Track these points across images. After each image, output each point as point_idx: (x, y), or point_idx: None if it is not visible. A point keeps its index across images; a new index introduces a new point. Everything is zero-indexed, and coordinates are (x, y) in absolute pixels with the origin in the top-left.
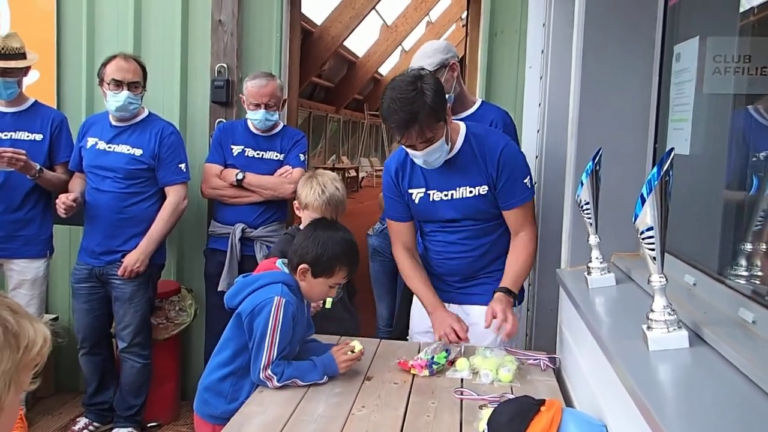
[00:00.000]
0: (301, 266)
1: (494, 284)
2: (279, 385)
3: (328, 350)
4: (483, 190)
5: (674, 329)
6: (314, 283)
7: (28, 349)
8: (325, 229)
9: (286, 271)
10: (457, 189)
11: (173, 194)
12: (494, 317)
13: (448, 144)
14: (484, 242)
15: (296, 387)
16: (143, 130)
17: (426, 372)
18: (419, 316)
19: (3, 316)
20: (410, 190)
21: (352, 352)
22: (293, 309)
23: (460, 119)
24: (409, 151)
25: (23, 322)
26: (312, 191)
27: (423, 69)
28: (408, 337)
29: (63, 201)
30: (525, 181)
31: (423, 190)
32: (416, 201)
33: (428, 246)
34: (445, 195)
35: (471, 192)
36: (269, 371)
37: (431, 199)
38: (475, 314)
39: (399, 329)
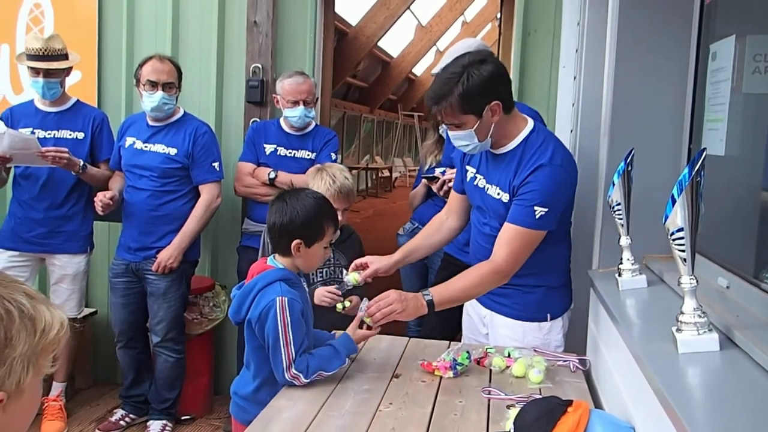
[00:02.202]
0: (294, 242)
1: (524, 298)
2: (307, 381)
3: (321, 337)
4: (505, 197)
5: (704, 332)
6: (310, 253)
7: (45, 333)
8: (294, 197)
9: (279, 266)
10: (492, 186)
11: (206, 192)
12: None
13: (484, 139)
14: None
15: (324, 381)
16: (178, 129)
17: (450, 373)
18: (468, 320)
19: (18, 300)
20: (467, 167)
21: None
22: (300, 305)
23: None
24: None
25: (39, 307)
26: (323, 182)
27: (492, 55)
28: (462, 337)
29: (100, 199)
30: (536, 208)
31: (474, 170)
32: (467, 179)
33: (471, 235)
34: (485, 186)
35: (498, 195)
36: (294, 370)
37: (476, 183)
38: (499, 324)
39: (428, 328)
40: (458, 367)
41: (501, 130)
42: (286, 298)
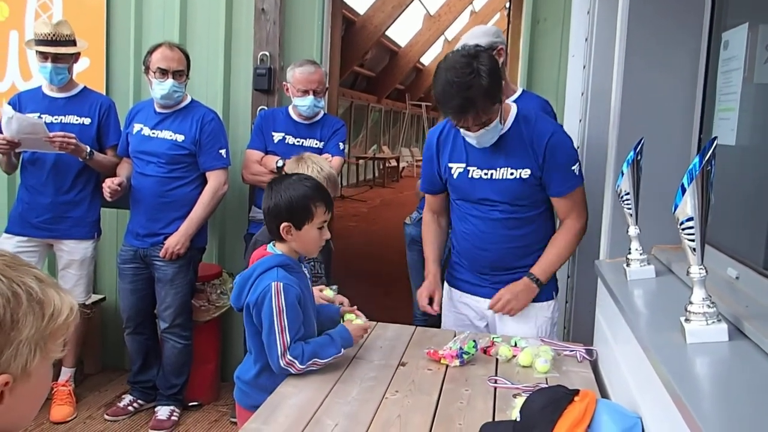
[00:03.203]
0: (282, 226)
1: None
2: (303, 367)
3: (329, 310)
4: (525, 173)
5: (713, 322)
6: (302, 235)
7: (54, 318)
8: (280, 182)
9: (278, 252)
10: (498, 169)
11: (213, 179)
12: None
13: (502, 124)
14: (519, 234)
15: (330, 368)
16: (185, 116)
17: (457, 362)
18: (456, 317)
19: (27, 283)
20: (450, 164)
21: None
22: (296, 290)
23: None
24: (463, 131)
25: (49, 291)
26: (310, 171)
27: (478, 45)
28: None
29: (108, 185)
30: (573, 168)
31: (463, 165)
32: (455, 176)
33: (462, 231)
34: (485, 173)
35: (512, 174)
36: (289, 356)
37: (470, 176)
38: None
39: (434, 317)
40: (464, 356)
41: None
42: (281, 284)
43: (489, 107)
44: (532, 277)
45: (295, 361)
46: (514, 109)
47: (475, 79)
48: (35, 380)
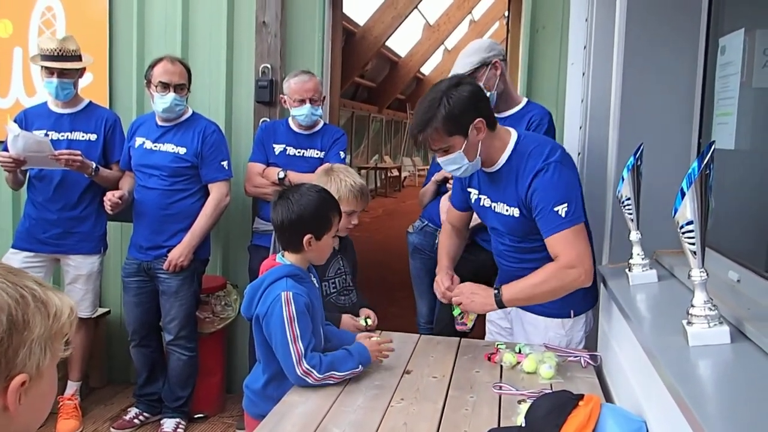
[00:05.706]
0: (306, 237)
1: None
2: (321, 377)
3: (346, 336)
4: (515, 212)
5: (715, 324)
6: (321, 244)
7: (57, 318)
8: (297, 194)
9: (287, 262)
10: (498, 203)
11: (215, 191)
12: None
13: (473, 159)
14: (529, 258)
15: (335, 381)
16: (187, 129)
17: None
18: (495, 320)
19: (30, 286)
20: (469, 188)
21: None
22: (305, 299)
23: (503, 118)
24: None
25: (49, 293)
26: (343, 184)
27: (470, 76)
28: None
29: (109, 198)
30: (557, 208)
31: (477, 192)
32: (472, 200)
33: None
34: (490, 204)
35: (507, 211)
36: (306, 365)
37: (481, 204)
38: (523, 319)
39: (439, 326)
40: (460, 318)
41: (488, 147)
42: (290, 293)
43: (442, 135)
44: (498, 296)
45: (313, 371)
46: (511, 144)
47: (433, 105)
48: (46, 381)
